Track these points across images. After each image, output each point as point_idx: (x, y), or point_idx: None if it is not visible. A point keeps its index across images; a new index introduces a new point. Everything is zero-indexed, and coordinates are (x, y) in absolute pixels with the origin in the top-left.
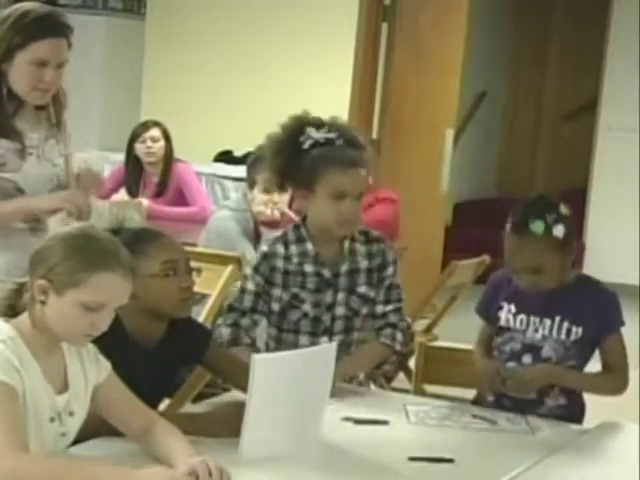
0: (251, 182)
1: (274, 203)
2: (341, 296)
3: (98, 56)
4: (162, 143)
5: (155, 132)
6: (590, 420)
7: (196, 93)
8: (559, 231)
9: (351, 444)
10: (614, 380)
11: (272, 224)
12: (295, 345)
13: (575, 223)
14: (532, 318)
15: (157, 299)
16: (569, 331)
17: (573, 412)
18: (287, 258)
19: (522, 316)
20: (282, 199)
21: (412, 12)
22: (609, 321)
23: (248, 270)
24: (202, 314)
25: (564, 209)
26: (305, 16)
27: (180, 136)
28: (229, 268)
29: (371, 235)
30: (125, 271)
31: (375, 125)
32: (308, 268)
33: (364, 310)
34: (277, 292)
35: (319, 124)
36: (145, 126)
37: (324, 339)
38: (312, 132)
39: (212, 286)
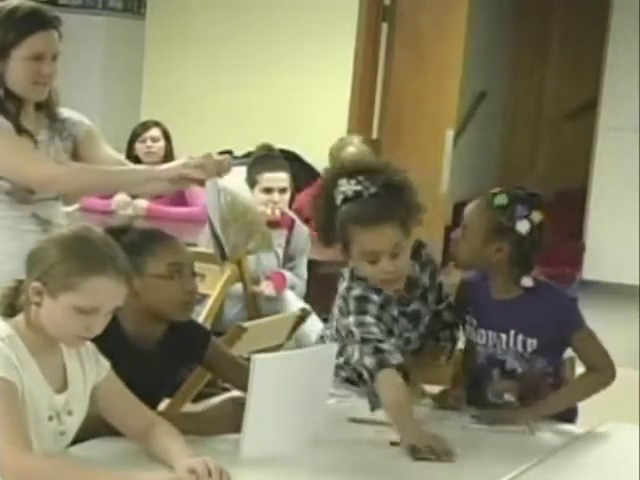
0: (251, 182)
1: (274, 203)
2: (425, 320)
3: (98, 56)
4: (162, 143)
5: (155, 132)
6: (590, 420)
7: (196, 93)
8: (523, 226)
9: (351, 444)
10: (598, 376)
11: (272, 224)
12: None
13: (575, 223)
14: (490, 333)
15: (159, 300)
16: (524, 343)
17: (565, 412)
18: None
19: (482, 331)
20: (282, 199)
21: (412, 12)
22: (565, 325)
23: (368, 318)
24: (202, 314)
25: (537, 215)
26: (305, 16)
27: (180, 136)
28: (229, 268)
29: (413, 246)
30: (120, 275)
31: (375, 125)
32: (394, 311)
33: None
34: (393, 340)
35: (352, 172)
36: (145, 126)
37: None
38: (343, 185)
39: (212, 286)
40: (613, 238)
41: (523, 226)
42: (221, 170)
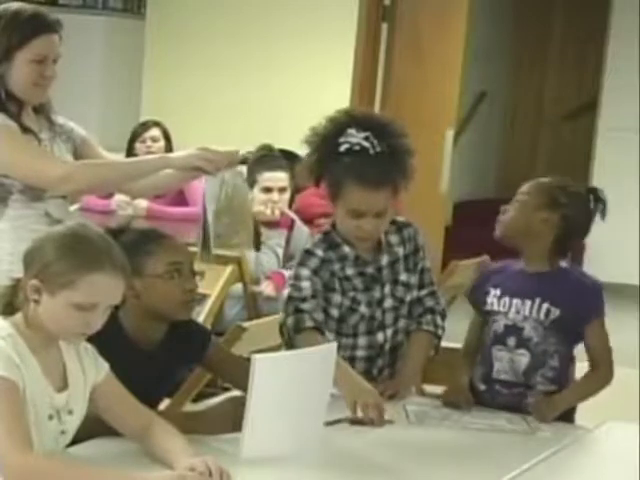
0: (251, 182)
1: (274, 202)
2: (387, 289)
3: (98, 56)
4: (162, 143)
5: (155, 132)
6: (589, 420)
7: (196, 93)
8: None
9: (351, 444)
10: (601, 378)
11: (272, 224)
12: (354, 347)
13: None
14: (514, 300)
15: (160, 300)
16: (548, 312)
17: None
18: (334, 262)
19: (505, 298)
20: (282, 199)
21: (412, 12)
22: (588, 307)
23: (304, 271)
24: (202, 314)
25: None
26: (305, 16)
27: (180, 136)
28: (229, 268)
29: (400, 222)
30: (117, 270)
31: None
32: (349, 271)
33: (408, 297)
34: (337, 298)
35: (363, 124)
36: (145, 126)
37: (379, 335)
38: (352, 134)
39: (212, 286)
40: (613, 238)
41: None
42: (231, 163)
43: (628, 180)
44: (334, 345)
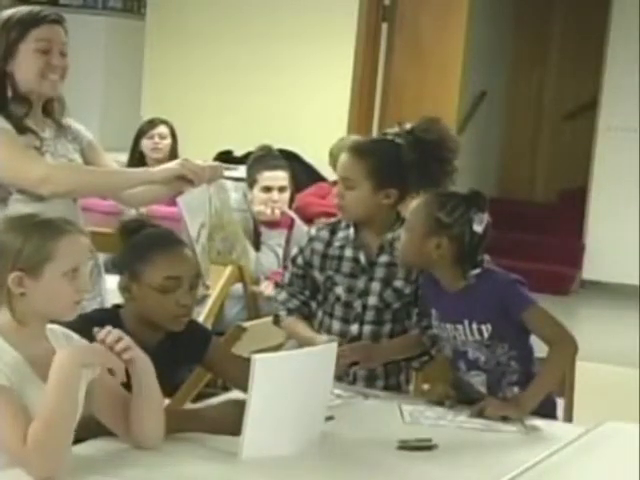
0: (251, 182)
1: (274, 202)
2: (375, 285)
3: (98, 56)
4: (169, 141)
5: (163, 129)
6: (589, 420)
7: (196, 93)
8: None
9: (352, 444)
10: (561, 350)
11: (272, 224)
12: (329, 330)
13: (575, 223)
14: (448, 325)
15: (152, 311)
16: (480, 331)
17: (544, 406)
18: (329, 243)
19: (442, 324)
20: (282, 198)
21: (412, 12)
22: (513, 302)
23: (294, 251)
24: (202, 314)
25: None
26: (305, 16)
27: (180, 136)
28: (229, 268)
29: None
30: (77, 229)
31: (375, 125)
32: (347, 252)
33: (396, 305)
34: (316, 274)
35: None
36: (152, 123)
37: (354, 327)
38: None
39: (212, 286)
40: (613, 238)
41: (459, 223)
42: (214, 176)
43: (628, 180)
44: (334, 345)
